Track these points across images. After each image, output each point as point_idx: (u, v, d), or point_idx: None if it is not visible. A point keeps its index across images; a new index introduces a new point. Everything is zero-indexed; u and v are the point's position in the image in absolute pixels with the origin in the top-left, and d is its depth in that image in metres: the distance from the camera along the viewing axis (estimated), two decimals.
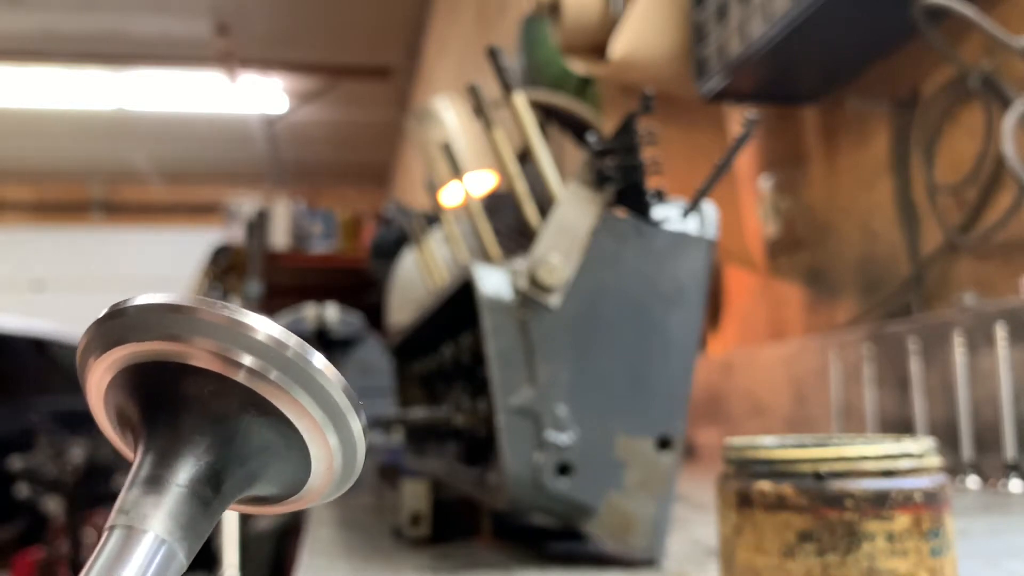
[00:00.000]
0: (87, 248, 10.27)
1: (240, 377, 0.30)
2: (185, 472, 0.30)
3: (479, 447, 0.96)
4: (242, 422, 0.31)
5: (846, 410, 1.52)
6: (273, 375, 0.30)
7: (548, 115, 2.06)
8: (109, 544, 0.28)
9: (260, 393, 0.30)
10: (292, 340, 0.30)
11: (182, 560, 0.29)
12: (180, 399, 0.31)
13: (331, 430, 0.31)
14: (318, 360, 0.30)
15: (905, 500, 0.48)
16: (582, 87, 2.06)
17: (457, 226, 1.18)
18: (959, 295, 1.30)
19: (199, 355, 0.29)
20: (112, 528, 0.29)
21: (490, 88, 0.91)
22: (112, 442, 0.34)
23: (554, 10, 1.85)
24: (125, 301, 0.30)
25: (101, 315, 0.30)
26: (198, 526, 0.30)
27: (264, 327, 0.29)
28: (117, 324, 0.30)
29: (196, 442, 0.30)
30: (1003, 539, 0.81)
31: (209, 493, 0.30)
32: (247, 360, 0.29)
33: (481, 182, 2.37)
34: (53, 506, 4.00)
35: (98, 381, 0.32)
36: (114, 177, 10.26)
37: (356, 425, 0.32)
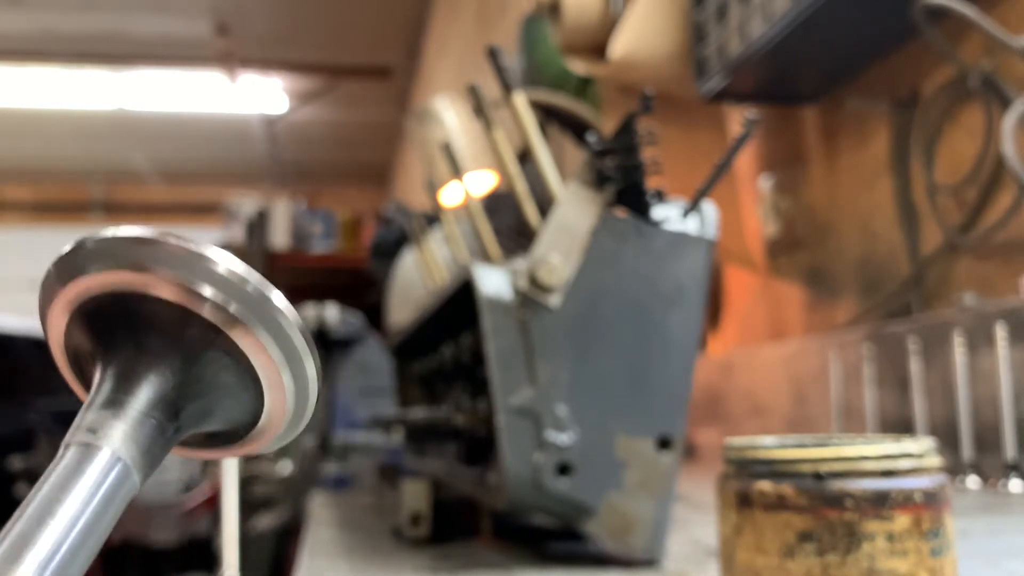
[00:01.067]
0: None
1: (200, 308, 0.30)
2: (143, 396, 0.30)
3: (479, 447, 0.96)
4: (200, 353, 0.31)
5: (846, 410, 1.52)
6: (232, 308, 0.30)
7: (548, 115, 2.06)
8: (64, 459, 0.29)
9: (219, 325, 0.30)
10: (253, 276, 0.30)
11: (135, 481, 0.29)
12: (140, 327, 0.31)
13: (286, 369, 0.31)
14: (277, 298, 0.31)
15: (905, 500, 0.48)
16: (582, 87, 2.06)
17: (457, 226, 1.18)
18: (959, 295, 1.30)
19: (160, 285, 0.30)
20: (68, 445, 0.29)
21: (490, 88, 0.91)
22: (67, 379, 0.34)
23: (554, 10, 1.85)
24: (89, 234, 0.30)
25: (65, 249, 0.31)
26: (153, 450, 0.30)
27: (225, 261, 0.30)
28: (80, 255, 0.30)
29: (155, 369, 0.31)
30: (1003, 539, 0.81)
31: (166, 419, 0.31)
32: (207, 291, 0.30)
33: (481, 182, 2.37)
34: None
35: (60, 313, 0.32)
36: (114, 177, 10.26)
37: (311, 366, 0.32)
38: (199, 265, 0.30)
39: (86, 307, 0.31)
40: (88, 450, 0.29)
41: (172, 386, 0.31)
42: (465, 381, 0.98)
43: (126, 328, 0.31)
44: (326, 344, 2.22)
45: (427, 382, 1.27)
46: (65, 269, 0.31)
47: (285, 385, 0.32)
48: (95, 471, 0.28)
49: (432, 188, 1.31)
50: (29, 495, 0.28)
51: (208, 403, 0.32)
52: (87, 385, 0.33)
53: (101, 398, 0.30)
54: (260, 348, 0.31)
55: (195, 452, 0.35)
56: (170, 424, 0.31)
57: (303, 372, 0.32)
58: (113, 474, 0.29)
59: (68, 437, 0.29)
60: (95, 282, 0.30)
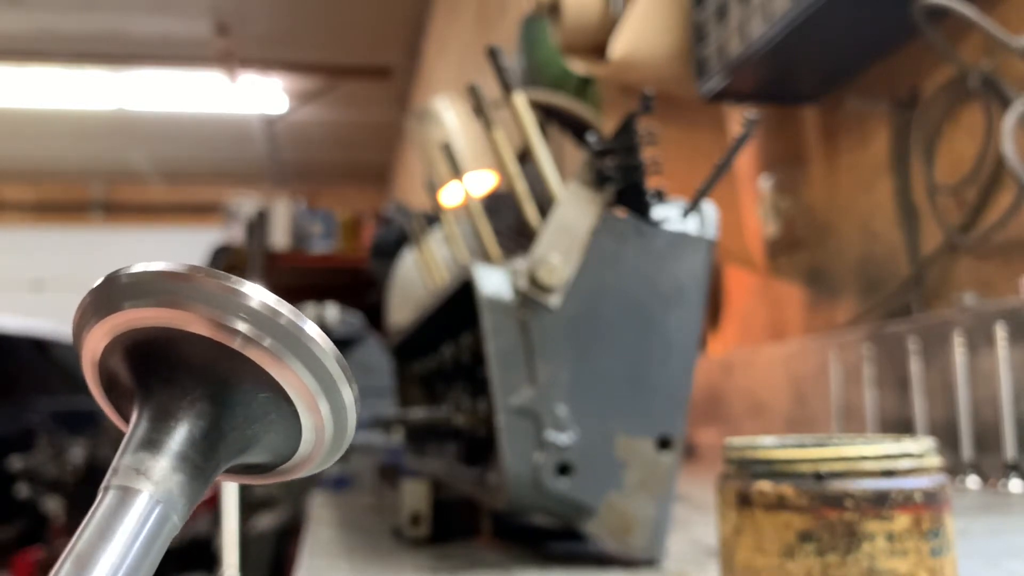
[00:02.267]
0: (87, 248, 10.26)
1: (235, 344, 0.30)
2: (180, 436, 0.30)
3: (479, 447, 0.96)
4: (236, 388, 0.31)
5: (846, 410, 1.52)
6: (267, 342, 0.30)
7: (548, 115, 2.06)
8: (104, 504, 0.29)
9: (254, 360, 0.30)
10: (285, 308, 0.30)
11: (175, 522, 0.29)
12: (176, 365, 0.31)
13: (323, 398, 0.31)
14: (311, 328, 0.30)
15: (905, 500, 0.48)
16: (582, 87, 2.06)
17: (457, 226, 1.18)
18: (959, 295, 1.30)
19: (195, 321, 0.30)
20: (107, 488, 0.29)
21: (490, 88, 0.91)
22: (105, 411, 0.34)
23: (554, 10, 1.85)
24: (121, 268, 0.30)
25: (98, 282, 0.31)
26: (192, 490, 0.30)
27: (258, 295, 0.30)
28: (114, 290, 0.30)
29: (191, 407, 0.31)
30: (1003, 539, 0.81)
31: (203, 458, 0.31)
32: (242, 327, 0.30)
33: (481, 182, 2.37)
34: (53, 506, 4.00)
35: (94, 347, 0.32)
36: (114, 177, 10.26)
37: (348, 394, 0.32)
38: (232, 300, 0.29)
39: (120, 342, 0.31)
40: (126, 494, 0.29)
41: (209, 423, 0.31)
42: (465, 381, 0.98)
43: (161, 365, 0.31)
44: None
45: (427, 382, 1.27)
46: (99, 303, 0.31)
47: (323, 414, 0.32)
48: (134, 516, 0.28)
49: (432, 188, 1.31)
50: (71, 542, 0.28)
51: (246, 437, 0.32)
52: (123, 414, 0.33)
53: (138, 439, 0.30)
54: (296, 380, 0.31)
55: (235, 478, 0.35)
56: (207, 462, 0.31)
57: (340, 401, 0.32)
58: (153, 518, 0.29)
59: (106, 480, 0.30)
60: (129, 318, 0.30)
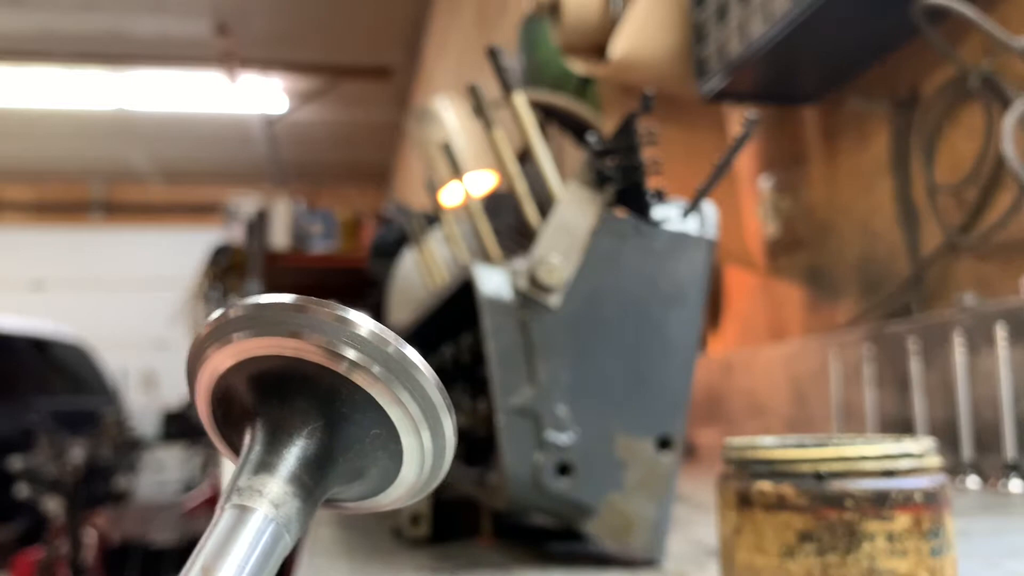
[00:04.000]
0: (87, 248, 10.27)
1: (345, 370, 0.32)
2: (292, 458, 0.32)
3: (479, 447, 0.96)
4: (346, 413, 0.33)
5: (846, 410, 1.52)
6: (375, 369, 0.31)
7: (548, 115, 2.06)
8: (222, 522, 0.31)
9: (363, 387, 0.32)
10: (391, 336, 0.32)
11: (288, 541, 0.31)
12: (289, 391, 0.33)
13: (425, 426, 0.33)
14: (414, 356, 0.32)
15: (905, 500, 0.48)
16: (582, 87, 2.06)
17: (457, 226, 1.18)
18: (959, 295, 1.30)
19: (309, 350, 0.31)
20: (224, 508, 0.31)
21: (490, 88, 0.91)
22: (214, 441, 0.36)
23: (554, 10, 1.85)
24: (236, 302, 0.32)
25: (221, 310, 0.33)
26: (303, 510, 0.32)
27: (367, 324, 0.32)
28: (231, 321, 0.32)
29: (303, 431, 0.33)
30: (1003, 539, 0.81)
31: (313, 480, 0.32)
32: (351, 354, 0.31)
33: (481, 182, 2.37)
34: (53, 506, 4.00)
35: (212, 371, 0.34)
36: (114, 177, 10.26)
37: (447, 423, 0.33)
38: (344, 329, 0.31)
39: (235, 369, 0.33)
40: (243, 512, 0.31)
41: (319, 446, 0.33)
42: (465, 381, 0.98)
43: (275, 391, 0.33)
44: None
45: None
46: (218, 332, 0.32)
47: (424, 442, 0.33)
48: (250, 533, 0.30)
49: (432, 188, 1.31)
50: (191, 556, 0.30)
51: (354, 468, 0.33)
52: (229, 442, 0.35)
53: (253, 460, 0.32)
54: (401, 406, 0.32)
55: (332, 506, 0.36)
56: (317, 484, 0.32)
57: (441, 429, 0.33)
58: (267, 535, 0.31)
59: (223, 500, 0.31)
60: (246, 347, 0.32)
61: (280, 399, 0.33)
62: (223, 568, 0.29)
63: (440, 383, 0.33)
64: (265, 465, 0.32)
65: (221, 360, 0.33)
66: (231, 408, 0.34)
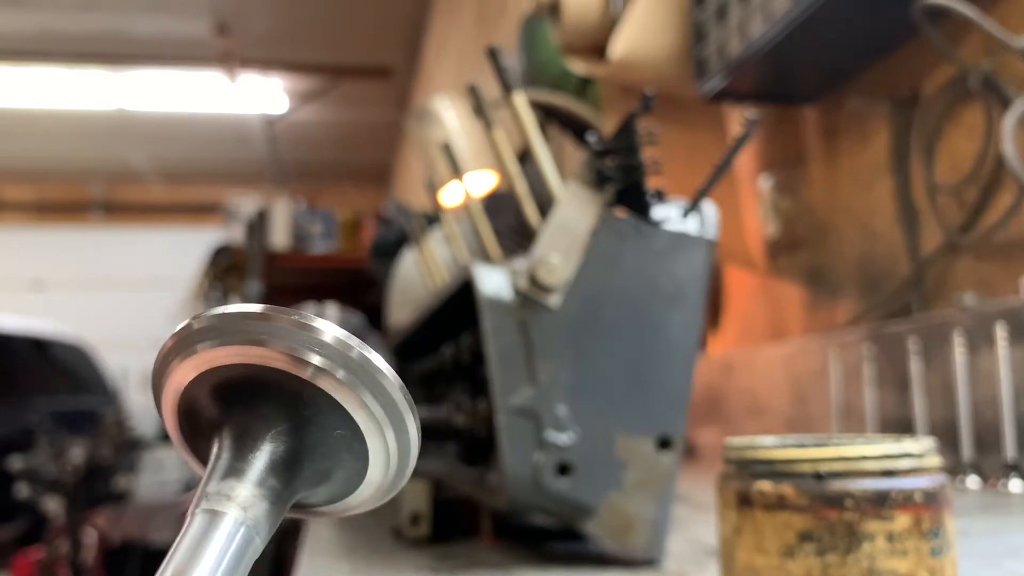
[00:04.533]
0: (87, 248, 10.27)
1: (307, 374, 0.32)
2: (260, 463, 0.33)
3: (479, 447, 0.96)
4: (311, 418, 0.33)
5: (846, 410, 1.52)
6: (340, 374, 0.32)
7: (548, 115, 2.06)
8: (192, 527, 0.31)
9: (328, 392, 0.33)
10: (355, 342, 0.32)
11: (258, 544, 0.32)
12: (255, 397, 0.33)
13: (389, 427, 0.34)
14: (378, 360, 0.33)
15: (905, 500, 0.48)
16: (582, 87, 2.06)
17: (457, 226, 1.18)
18: (959, 295, 1.30)
19: (273, 357, 0.32)
20: (195, 513, 0.32)
21: (490, 88, 0.91)
22: (181, 452, 0.37)
23: (554, 10, 1.85)
24: (204, 312, 0.33)
25: (184, 323, 0.33)
26: (271, 515, 0.33)
27: (331, 330, 0.32)
28: (195, 331, 0.33)
29: (270, 436, 0.33)
30: (1003, 539, 0.81)
31: (281, 484, 0.33)
32: (316, 360, 0.32)
33: (481, 182, 2.37)
34: (53, 506, 4.00)
35: (177, 382, 0.34)
36: (114, 177, 10.25)
37: (411, 424, 0.34)
38: (308, 336, 0.32)
39: (203, 380, 0.34)
40: (213, 517, 0.31)
41: (288, 452, 0.33)
42: (465, 381, 0.98)
43: (241, 398, 0.34)
44: None
45: (427, 382, 1.27)
46: (181, 344, 0.33)
47: (389, 445, 0.34)
48: (221, 537, 0.31)
49: (432, 188, 1.31)
50: (164, 562, 0.30)
51: (319, 471, 0.34)
52: (196, 452, 0.36)
53: (222, 467, 0.33)
54: (365, 409, 0.33)
55: (299, 514, 0.37)
56: (286, 488, 0.33)
57: (405, 429, 0.34)
58: (238, 539, 0.31)
59: (193, 505, 0.32)
60: (211, 356, 0.33)
61: (246, 406, 0.33)
62: (195, 571, 0.30)
63: (403, 385, 0.33)
64: (233, 470, 0.32)
65: (186, 372, 0.33)
66: (198, 420, 0.35)
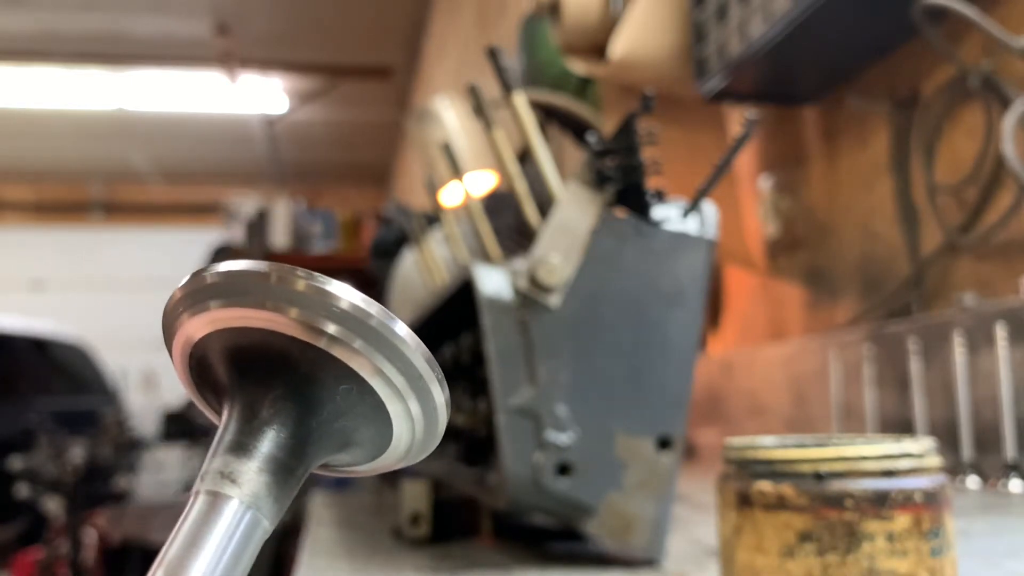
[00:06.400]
0: (87, 248, 10.27)
1: (324, 344, 0.30)
2: (269, 440, 0.30)
3: (479, 447, 0.96)
4: (327, 390, 0.31)
5: (846, 410, 1.52)
6: (357, 343, 0.30)
7: (548, 115, 2.06)
8: (195, 509, 0.29)
9: (345, 361, 0.30)
10: (375, 308, 0.30)
11: (266, 527, 0.29)
12: (264, 367, 0.31)
13: (413, 398, 0.31)
14: (400, 328, 0.30)
15: (905, 500, 0.48)
16: (582, 87, 2.06)
17: (457, 226, 1.18)
18: (959, 295, 1.30)
19: (284, 323, 0.29)
20: (197, 493, 0.29)
21: (490, 88, 0.91)
22: (193, 399, 0.35)
23: (554, 10, 1.85)
24: (208, 266, 0.30)
25: (185, 280, 0.30)
26: (281, 494, 0.30)
27: (348, 295, 0.29)
28: (204, 288, 0.30)
29: (281, 410, 0.31)
30: (1003, 539, 0.81)
31: (291, 457, 0.30)
32: (331, 328, 0.29)
33: (481, 182, 2.37)
34: (53, 506, 4.00)
35: (187, 338, 0.32)
36: (114, 177, 10.26)
37: (438, 392, 0.32)
38: (323, 301, 0.29)
39: (216, 339, 0.31)
40: (217, 499, 0.29)
41: (298, 425, 0.31)
42: (465, 381, 0.98)
43: (251, 366, 0.31)
44: None
45: None
46: (191, 299, 0.30)
47: (413, 413, 0.32)
48: (225, 522, 0.28)
49: (432, 188, 1.31)
50: (163, 548, 0.28)
51: (335, 432, 0.32)
52: (207, 402, 0.33)
53: (228, 442, 0.30)
54: (385, 380, 0.31)
55: (330, 472, 0.34)
56: (297, 463, 0.31)
57: (430, 400, 0.32)
58: (243, 524, 0.29)
59: (197, 484, 0.29)
60: (221, 316, 0.30)
61: (256, 375, 0.31)
62: (193, 565, 0.27)
63: (428, 352, 0.31)
64: (240, 446, 0.30)
65: (196, 327, 0.31)
66: (207, 373, 0.33)
